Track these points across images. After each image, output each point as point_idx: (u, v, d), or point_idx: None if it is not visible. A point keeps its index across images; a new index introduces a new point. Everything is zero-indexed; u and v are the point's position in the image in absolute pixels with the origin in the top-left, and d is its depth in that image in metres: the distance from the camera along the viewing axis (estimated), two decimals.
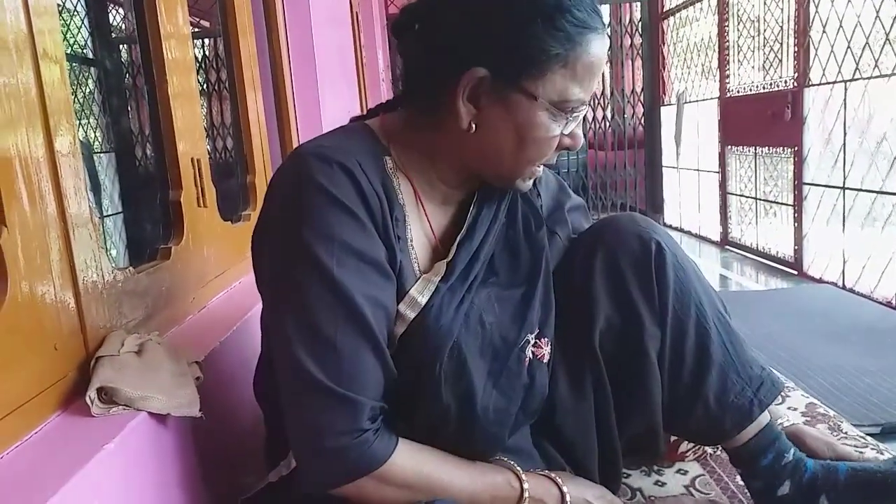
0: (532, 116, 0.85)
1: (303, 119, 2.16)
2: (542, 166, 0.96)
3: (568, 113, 0.87)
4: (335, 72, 2.58)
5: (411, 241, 0.91)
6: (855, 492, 1.04)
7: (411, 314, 0.87)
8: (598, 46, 0.85)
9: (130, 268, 1.05)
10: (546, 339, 0.97)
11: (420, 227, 0.93)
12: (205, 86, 2.04)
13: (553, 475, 0.97)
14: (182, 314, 1.19)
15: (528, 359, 0.95)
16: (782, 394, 1.79)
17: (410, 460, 0.85)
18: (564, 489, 0.95)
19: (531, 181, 0.96)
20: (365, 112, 1.01)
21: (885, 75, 2.83)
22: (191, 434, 0.94)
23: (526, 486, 0.92)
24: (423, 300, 0.88)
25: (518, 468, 0.94)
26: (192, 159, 1.30)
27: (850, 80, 3.07)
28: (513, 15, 0.82)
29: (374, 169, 0.86)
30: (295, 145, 2.14)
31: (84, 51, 2.22)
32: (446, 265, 0.91)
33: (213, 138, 2.05)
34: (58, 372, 0.81)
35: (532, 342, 0.95)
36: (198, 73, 1.81)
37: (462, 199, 0.98)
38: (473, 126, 0.86)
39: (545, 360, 0.97)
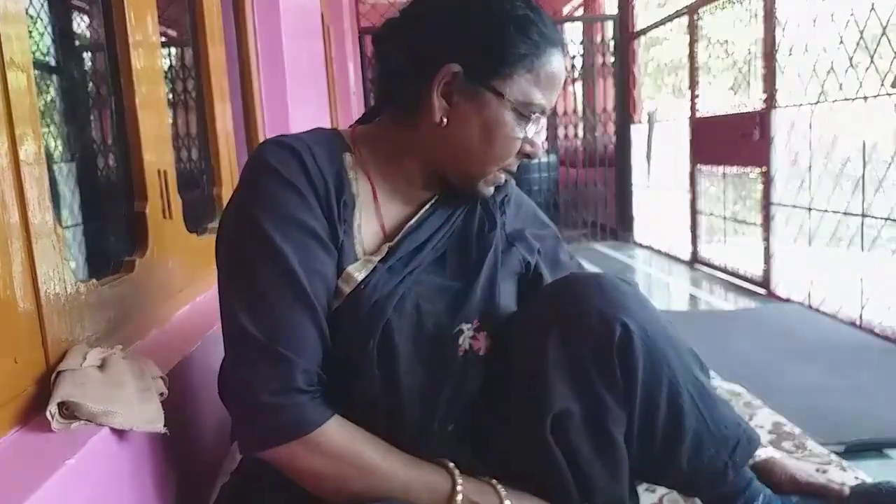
0: (499, 114, 0.92)
1: (271, 131, 2.14)
2: (504, 174, 0.99)
3: (530, 116, 0.94)
4: (305, 84, 2.57)
5: (359, 226, 0.95)
6: None
7: (347, 289, 0.91)
8: (558, 61, 0.94)
9: (94, 280, 1.03)
10: (485, 333, 0.97)
11: (372, 220, 0.97)
12: (171, 96, 2.01)
13: (494, 482, 0.93)
14: (146, 328, 1.17)
15: (463, 349, 0.96)
16: (749, 412, 1.81)
17: (344, 432, 0.87)
18: (503, 494, 0.92)
19: (492, 189, 1.01)
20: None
21: (849, 99, 2.90)
22: (154, 449, 0.92)
23: (459, 485, 0.89)
24: (359, 277, 0.92)
25: (454, 468, 0.91)
26: (158, 170, 1.28)
27: (816, 103, 3.14)
28: (488, 19, 0.92)
29: (328, 159, 0.93)
30: None
31: (46, 58, 2.18)
32: (388, 248, 0.95)
33: (179, 149, 2.01)
34: (17, 386, 0.79)
35: (470, 334, 0.96)
36: (165, 83, 1.79)
37: (421, 202, 1.02)
38: (445, 120, 0.92)
39: (481, 353, 0.97)
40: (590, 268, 1.10)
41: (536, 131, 0.97)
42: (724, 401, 1.06)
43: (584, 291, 0.96)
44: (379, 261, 0.94)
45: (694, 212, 4.53)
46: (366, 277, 0.92)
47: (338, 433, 0.86)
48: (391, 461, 0.89)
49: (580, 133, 5.96)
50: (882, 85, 2.67)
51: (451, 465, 0.92)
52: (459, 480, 0.90)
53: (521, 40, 0.91)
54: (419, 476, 0.89)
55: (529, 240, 1.10)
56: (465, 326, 0.96)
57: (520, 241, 1.09)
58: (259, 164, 0.90)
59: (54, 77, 2.17)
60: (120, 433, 0.82)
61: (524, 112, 0.93)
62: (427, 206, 1.01)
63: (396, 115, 0.98)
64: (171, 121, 1.98)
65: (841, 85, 2.96)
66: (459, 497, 0.89)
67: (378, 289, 0.92)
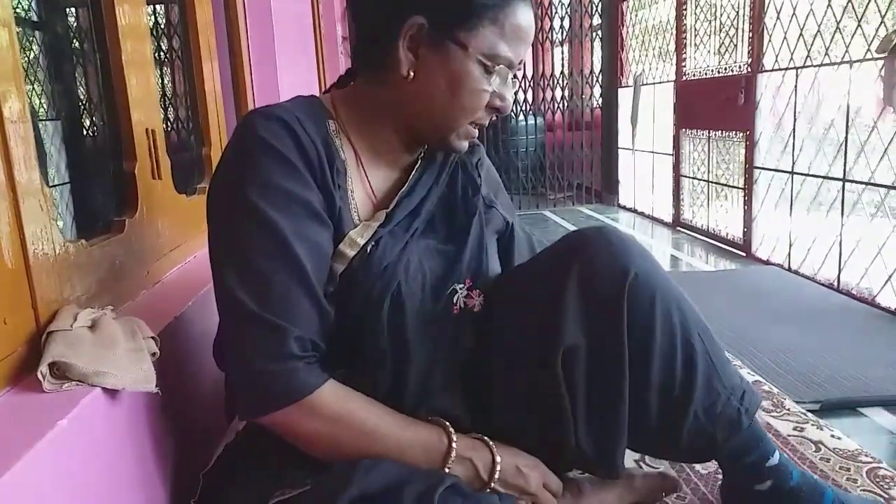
0: (464, 66, 0.93)
1: (260, 90, 2.12)
2: (476, 127, 1.01)
3: (495, 68, 0.94)
4: (293, 42, 2.54)
5: (352, 192, 0.97)
6: None
7: (350, 252, 0.93)
8: (525, 15, 0.95)
9: (83, 241, 1.02)
10: (478, 291, 1.02)
11: (361, 186, 0.99)
12: (158, 54, 1.97)
13: (486, 438, 0.98)
14: (137, 288, 1.17)
15: (458, 307, 1.00)
16: None
17: (339, 395, 0.89)
18: (496, 451, 0.96)
19: (466, 143, 1.02)
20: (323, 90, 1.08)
21: (835, 63, 2.91)
22: (147, 410, 0.93)
23: (455, 442, 0.93)
24: (361, 241, 0.94)
25: (449, 426, 0.95)
26: (146, 130, 1.27)
27: (802, 67, 3.15)
28: None
29: (316, 127, 0.93)
30: None
31: (28, 14, 2.12)
32: (386, 214, 0.97)
33: (168, 109, 1.99)
34: (7, 347, 0.79)
35: (464, 293, 1.00)
36: (152, 41, 1.76)
37: (404, 165, 1.05)
38: (412, 73, 0.93)
39: (475, 310, 1.02)
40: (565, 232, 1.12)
41: (504, 84, 0.98)
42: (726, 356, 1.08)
43: (601, 239, 1.01)
44: (379, 226, 0.96)
45: (677, 175, 4.54)
46: (371, 240, 0.94)
47: (333, 396, 0.88)
48: (387, 422, 0.92)
49: (567, 96, 5.92)
50: (868, 50, 2.67)
51: (447, 423, 0.95)
52: (454, 437, 0.94)
53: None
54: (415, 435, 0.92)
55: (501, 201, 1.16)
56: (458, 286, 1.00)
57: (496, 204, 1.13)
58: (249, 137, 0.90)
59: (37, 34, 2.12)
60: (112, 393, 0.83)
61: (490, 64, 0.94)
62: (414, 172, 1.03)
63: (368, 76, 1.00)
64: (159, 80, 1.95)
65: (827, 49, 2.96)
66: (454, 454, 0.93)
67: (387, 252, 0.94)
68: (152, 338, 0.96)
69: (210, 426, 1.15)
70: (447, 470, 0.92)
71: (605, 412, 1.00)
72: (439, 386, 0.98)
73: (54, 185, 2.15)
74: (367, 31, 0.99)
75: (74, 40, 2.21)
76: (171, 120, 2.01)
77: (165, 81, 2.21)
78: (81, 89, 2.15)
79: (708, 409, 1.02)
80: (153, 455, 0.94)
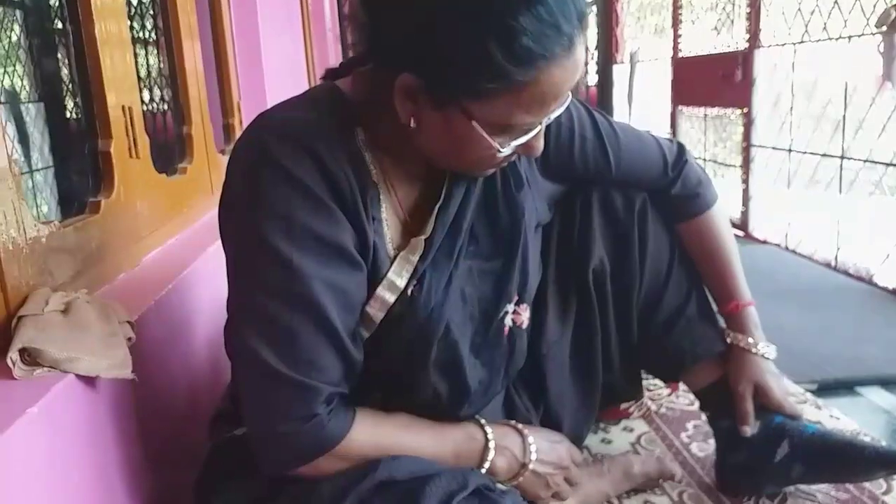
0: (469, 133, 0.75)
1: (244, 68, 2.07)
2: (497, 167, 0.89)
3: (512, 135, 0.77)
4: (278, 20, 2.49)
5: (386, 220, 0.87)
6: (817, 446, 1.09)
7: (390, 297, 0.85)
8: (557, 73, 0.72)
9: (55, 222, 0.99)
10: (525, 305, 0.98)
11: (392, 210, 0.88)
12: (142, 33, 1.93)
13: (512, 423, 1.01)
14: (114, 272, 1.13)
15: (507, 328, 0.95)
16: None
17: (368, 430, 0.84)
18: (525, 433, 0.99)
19: (491, 171, 0.90)
20: (338, 64, 0.92)
21: (832, 38, 2.86)
22: (123, 396, 0.90)
23: (490, 435, 0.94)
24: (401, 283, 0.86)
25: (481, 419, 0.95)
26: (123, 107, 1.23)
27: (799, 43, 3.10)
28: (455, 27, 0.69)
29: (344, 146, 0.81)
30: (235, 96, 2.06)
31: None
32: (424, 242, 0.87)
33: (150, 88, 1.94)
34: None
35: (511, 310, 0.95)
36: (132, 19, 1.71)
37: (430, 176, 0.91)
38: (412, 122, 0.77)
39: (524, 327, 0.99)
40: None
41: (535, 137, 0.80)
42: None
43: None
44: (418, 259, 0.86)
45: None
46: (412, 280, 0.85)
47: (362, 435, 0.83)
48: (421, 439, 0.89)
49: None
50: (867, 24, 2.63)
51: (479, 419, 0.96)
52: (489, 432, 0.94)
53: (495, 58, 0.68)
54: (453, 444, 0.92)
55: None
56: (509, 307, 0.95)
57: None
58: (264, 164, 0.77)
59: (18, 13, 2.07)
60: (86, 380, 0.80)
61: (503, 131, 0.76)
62: (446, 181, 0.90)
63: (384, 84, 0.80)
64: (144, 59, 1.90)
65: (825, 25, 2.91)
66: (492, 450, 0.93)
67: (433, 295, 0.86)
68: (128, 322, 0.93)
69: (190, 413, 1.12)
70: (487, 464, 0.92)
71: (626, 332, 1.16)
72: (493, 399, 1.00)
73: (38, 169, 2.11)
74: (370, 54, 0.83)
75: (56, 20, 2.16)
76: (155, 99, 1.97)
77: (150, 61, 2.16)
78: (65, 70, 2.11)
79: (703, 311, 1.19)
80: (129, 442, 0.91)
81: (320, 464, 0.81)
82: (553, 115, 0.79)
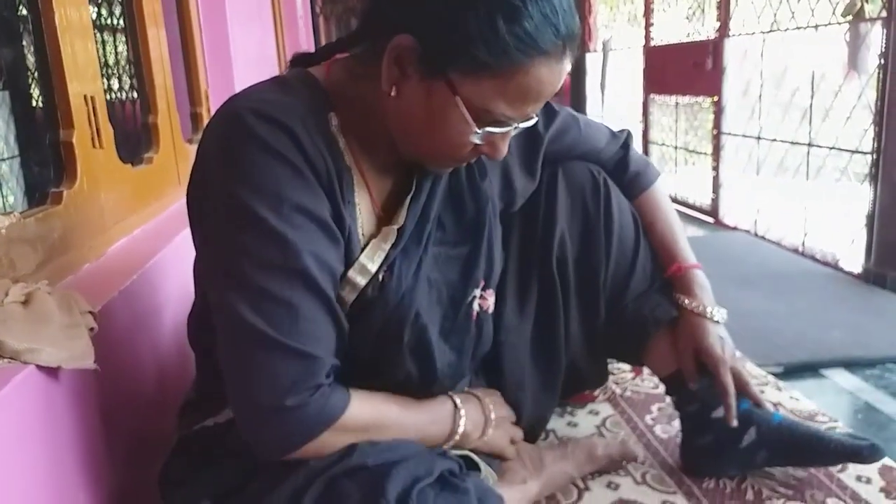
0: (447, 110, 0.77)
1: (211, 56, 2.04)
2: (453, 164, 0.91)
3: (486, 124, 0.79)
4: (247, 6, 2.46)
5: (358, 205, 0.87)
6: (784, 437, 1.14)
7: (361, 280, 0.86)
8: (544, 72, 0.76)
9: (16, 213, 0.98)
10: (490, 290, 1.00)
11: (365, 197, 0.89)
12: (109, 20, 1.90)
13: (465, 390, 1.06)
14: (78, 262, 1.12)
15: (475, 312, 0.97)
16: None
17: (364, 403, 0.86)
18: (477, 393, 1.05)
19: (446, 169, 0.93)
20: (311, 50, 0.94)
21: (801, 27, 2.90)
22: (86, 387, 0.89)
23: (457, 400, 0.99)
24: (372, 267, 0.86)
25: (450, 394, 1.00)
26: (85, 97, 1.21)
27: (768, 32, 3.13)
28: None
29: (318, 128, 0.81)
30: (203, 84, 2.04)
31: None
32: (397, 231, 0.88)
33: (119, 76, 1.91)
34: None
35: (478, 295, 0.98)
36: (99, 6, 1.68)
37: (400, 167, 0.92)
38: (394, 90, 0.79)
39: (490, 311, 1.01)
40: None
41: (500, 137, 0.82)
42: None
43: (579, 162, 1.20)
44: (391, 246, 0.88)
45: (646, 142, 4.54)
46: (383, 266, 0.87)
47: (360, 407, 0.84)
48: (406, 413, 0.92)
49: None
50: (833, 14, 2.66)
51: (454, 397, 1.00)
52: (458, 401, 0.99)
53: (487, 36, 0.72)
54: (429, 414, 0.95)
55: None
56: (476, 292, 0.97)
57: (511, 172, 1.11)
58: (242, 136, 0.76)
59: None
60: (48, 371, 0.79)
61: (479, 117, 0.78)
62: (417, 174, 0.92)
63: (362, 61, 0.84)
64: (112, 48, 1.87)
65: (793, 14, 2.95)
66: (462, 416, 0.97)
67: (402, 279, 0.87)
68: (90, 312, 0.92)
69: (154, 403, 1.12)
70: (460, 428, 0.96)
71: (591, 317, 1.21)
72: (460, 381, 1.03)
73: (3, 158, 2.07)
74: (365, 19, 0.85)
75: (19, 5, 2.12)
76: (123, 88, 1.94)
77: (119, 49, 2.12)
78: (31, 58, 2.07)
79: (654, 271, 1.23)
80: (92, 433, 0.90)
81: (326, 439, 0.80)
82: (526, 123, 0.82)
